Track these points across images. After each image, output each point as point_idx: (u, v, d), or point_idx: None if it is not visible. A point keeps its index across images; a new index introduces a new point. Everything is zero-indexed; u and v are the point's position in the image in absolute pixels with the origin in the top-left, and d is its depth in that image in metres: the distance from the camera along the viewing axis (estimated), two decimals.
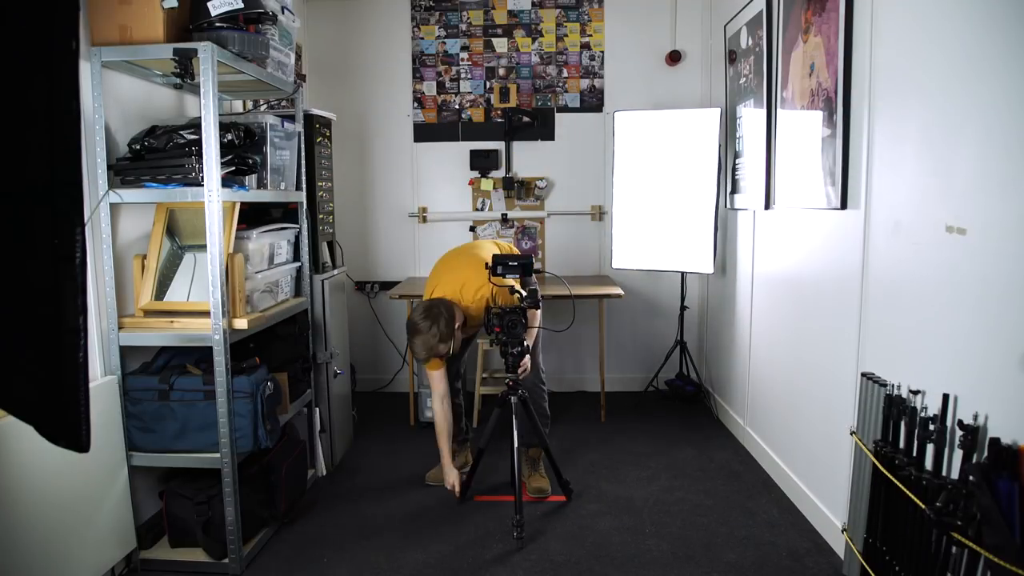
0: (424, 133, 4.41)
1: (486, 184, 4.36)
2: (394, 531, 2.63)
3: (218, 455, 2.29)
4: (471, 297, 2.79)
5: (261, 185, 2.57)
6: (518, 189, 4.36)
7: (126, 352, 2.35)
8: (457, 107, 4.39)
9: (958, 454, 1.63)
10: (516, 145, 4.37)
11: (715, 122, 3.73)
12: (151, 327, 2.36)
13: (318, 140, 3.14)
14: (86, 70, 2.20)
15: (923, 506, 1.67)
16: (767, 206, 3.09)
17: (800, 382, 2.78)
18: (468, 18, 4.34)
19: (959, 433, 1.60)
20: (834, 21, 2.37)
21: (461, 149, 4.38)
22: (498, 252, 2.82)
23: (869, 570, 2.00)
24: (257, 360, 2.49)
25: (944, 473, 1.70)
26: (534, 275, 2.77)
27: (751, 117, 3.31)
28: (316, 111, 3.11)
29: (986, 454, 1.50)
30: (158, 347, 2.47)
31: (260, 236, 2.58)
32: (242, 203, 2.48)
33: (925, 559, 1.71)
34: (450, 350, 2.75)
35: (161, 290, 2.40)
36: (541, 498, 2.88)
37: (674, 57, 4.26)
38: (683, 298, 4.12)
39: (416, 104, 4.40)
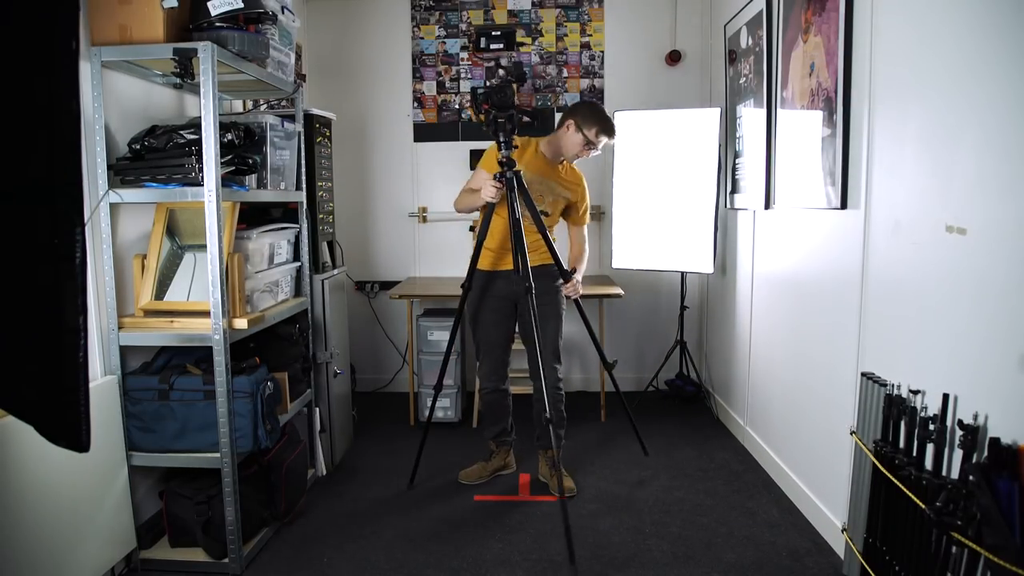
0: (424, 133, 4.41)
1: None
2: (394, 531, 2.63)
3: (218, 455, 2.29)
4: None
5: (261, 185, 2.57)
6: None
7: (126, 352, 2.35)
8: (457, 107, 4.39)
9: (958, 454, 1.63)
10: None
11: (715, 122, 3.72)
12: (151, 327, 2.35)
13: (318, 140, 3.13)
14: (86, 70, 2.20)
15: (923, 506, 1.67)
16: (767, 206, 3.09)
17: (800, 382, 2.78)
18: (468, 18, 4.34)
19: (959, 433, 1.60)
20: (834, 21, 2.37)
21: (461, 149, 4.37)
22: None
23: (869, 570, 2.00)
24: (257, 360, 2.49)
25: (944, 473, 1.70)
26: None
27: (751, 117, 3.31)
28: (316, 111, 3.11)
29: (986, 454, 1.50)
30: (158, 347, 2.47)
31: (260, 236, 2.58)
32: (242, 203, 2.48)
33: (925, 559, 1.71)
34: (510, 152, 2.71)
35: (161, 290, 2.40)
36: (570, 496, 2.85)
37: (674, 57, 4.26)
38: (683, 298, 4.12)
39: (416, 104, 4.40)
